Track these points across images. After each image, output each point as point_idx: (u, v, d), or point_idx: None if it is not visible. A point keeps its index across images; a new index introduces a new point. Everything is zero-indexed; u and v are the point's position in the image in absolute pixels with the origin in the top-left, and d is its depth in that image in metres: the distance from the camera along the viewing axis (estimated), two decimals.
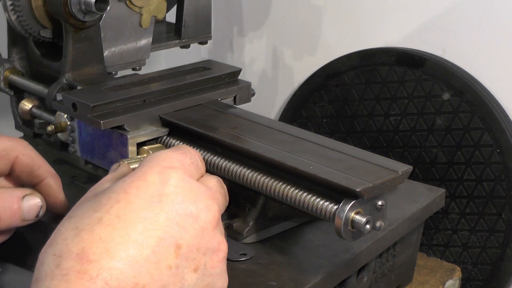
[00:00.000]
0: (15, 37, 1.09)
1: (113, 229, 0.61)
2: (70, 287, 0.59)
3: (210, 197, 0.68)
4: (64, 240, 0.63)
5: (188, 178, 0.67)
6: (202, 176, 0.74)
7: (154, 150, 0.84)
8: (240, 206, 0.88)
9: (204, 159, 0.90)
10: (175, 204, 0.65)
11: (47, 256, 0.63)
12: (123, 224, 0.62)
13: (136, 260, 0.61)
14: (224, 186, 0.77)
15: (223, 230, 0.71)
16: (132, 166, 0.75)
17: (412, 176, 0.94)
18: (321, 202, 0.79)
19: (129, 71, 1.11)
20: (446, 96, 1.23)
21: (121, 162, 0.76)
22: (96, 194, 0.66)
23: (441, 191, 1.03)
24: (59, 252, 0.62)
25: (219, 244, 0.68)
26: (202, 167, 0.74)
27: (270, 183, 0.83)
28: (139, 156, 0.85)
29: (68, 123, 0.97)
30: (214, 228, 0.68)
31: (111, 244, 0.60)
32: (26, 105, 1.08)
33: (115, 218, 0.62)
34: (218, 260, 0.69)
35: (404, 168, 0.80)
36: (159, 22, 1.14)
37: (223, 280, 0.70)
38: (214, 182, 0.74)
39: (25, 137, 1.14)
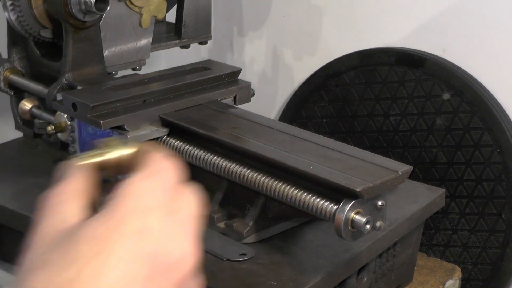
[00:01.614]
0: (15, 37, 1.09)
1: (93, 285, 0.56)
2: None
3: (186, 240, 0.63)
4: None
5: (166, 220, 0.62)
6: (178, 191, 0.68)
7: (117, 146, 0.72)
8: (240, 206, 0.88)
9: (204, 159, 0.90)
10: (156, 258, 0.60)
11: None
12: (105, 279, 0.58)
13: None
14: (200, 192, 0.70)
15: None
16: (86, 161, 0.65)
17: (412, 176, 0.94)
18: (321, 202, 0.79)
19: (129, 71, 1.11)
20: (446, 96, 1.22)
21: (72, 163, 0.67)
22: (65, 236, 0.59)
23: (441, 191, 1.03)
24: None
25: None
26: (176, 176, 0.67)
27: (270, 183, 0.83)
28: (95, 152, 0.72)
29: (68, 123, 0.97)
30: (191, 274, 0.63)
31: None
32: (26, 105, 1.08)
33: (91, 278, 0.58)
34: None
35: (404, 168, 0.80)
36: (159, 22, 1.14)
37: None
38: (191, 204, 0.68)
39: (25, 137, 1.14)
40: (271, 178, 0.83)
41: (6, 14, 1.02)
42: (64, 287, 0.55)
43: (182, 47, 1.16)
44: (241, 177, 0.85)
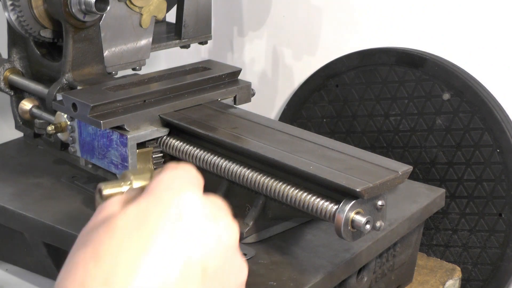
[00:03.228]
0: (15, 37, 1.09)
1: (136, 256, 0.60)
2: None
3: (227, 215, 0.67)
4: (85, 267, 0.59)
5: (202, 197, 0.66)
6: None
7: (138, 179, 0.79)
8: (240, 206, 0.88)
9: (204, 159, 0.90)
10: (197, 226, 0.64)
11: (69, 283, 0.59)
12: (147, 251, 0.60)
13: (165, 283, 0.60)
14: None
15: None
16: (114, 191, 0.71)
17: (412, 176, 0.94)
18: (321, 202, 0.79)
19: (129, 71, 1.11)
20: (446, 96, 1.22)
21: (98, 187, 0.72)
22: (107, 219, 0.65)
23: (441, 191, 1.03)
24: (80, 279, 0.59)
25: (242, 263, 0.68)
26: (202, 181, 0.72)
27: (270, 183, 0.83)
28: (120, 185, 0.78)
29: (68, 123, 0.97)
30: (235, 247, 0.67)
31: (136, 271, 0.59)
32: (26, 105, 1.08)
33: (137, 245, 0.60)
34: (242, 280, 0.67)
35: (404, 168, 0.80)
36: (159, 22, 1.14)
37: None
38: (219, 198, 0.73)
39: (25, 137, 1.14)
40: (271, 178, 0.83)
41: (6, 14, 1.02)
42: (108, 254, 0.58)
43: (182, 47, 1.16)
44: (241, 177, 0.85)
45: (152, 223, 0.62)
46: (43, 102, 1.06)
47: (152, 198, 0.63)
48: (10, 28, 1.08)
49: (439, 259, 1.16)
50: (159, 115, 0.93)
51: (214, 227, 0.64)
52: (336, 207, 0.77)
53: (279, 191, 0.82)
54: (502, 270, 1.21)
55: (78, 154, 0.97)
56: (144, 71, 1.08)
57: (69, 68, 1.01)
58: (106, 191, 0.68)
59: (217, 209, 0.65)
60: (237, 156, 0.86)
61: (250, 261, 0.84)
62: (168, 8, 1.13)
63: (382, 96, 1.28)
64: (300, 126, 1.18)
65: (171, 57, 1.49)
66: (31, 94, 1.08)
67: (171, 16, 1.17)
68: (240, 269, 0.67)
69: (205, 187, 0.66)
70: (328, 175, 0.78)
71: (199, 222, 0.63)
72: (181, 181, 0.66)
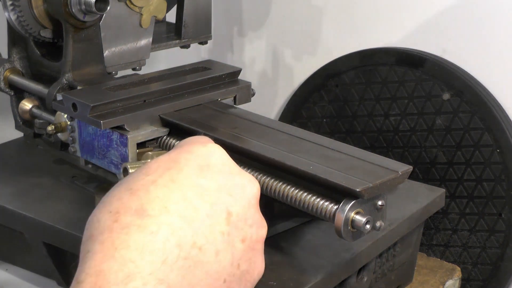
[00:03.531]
0: (15, 37, 1.09)
1: (168, 190, 0.62)
2: (131, 239, 0.59)
3: (249, 174, 0.69)
4: (120, 199, 0.62)
5: (227, 154, 0.69)
6: None
7: (159, 155, 0.84)
8: None
9: None
10: (223, 174, 0.66)
11: (103, 214, 0.62)
12: (178, 187, 0.63)
13: (193, 220, 0.61)
14: None
15: None
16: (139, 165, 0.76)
17: (412, 176, 0.94)
18: (321, 202, 0.79)
19: (129, 71, 1.11)
20: (446, 96, 1.23)
21: (123, 166, 0.77)
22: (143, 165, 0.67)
23: (441, 191, 1.03)
24: (115, 209, 0.62)
25: (262, 220, 0.69)
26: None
27: (270, 183, 0.82)
28: (142, 161, 0.84)
29: (68, 123, 0.97)
30: (257, 203, 0.69)
31: (168, 202, 0.61)
32: (26, 105, 1.08)
33: (169, 181, 0.63)
34: (262, 235, 0.69)
35: (404, 168, 0.80)
36: (159, 22, 1.14)
37: (262, 259, 0.70)
38: None
39: (25, 137, 1.14)
40: (271, 178, 0.83)
41: (6, 14, 1.02)
42: (141, 189, 0.62)
43: (182, 47, 1.16)
44: None
45: (182, 166, 0.65)
46: (43, 102, 1.06)
47: (182, 149, 0.67)
48: (10, 28, 1.08)
49: (439, 259, 1.16)
50: (159, 115, 0.93)
51: (240, 178, 0.67)
52: (336, 207, 0.77)
53: (279, 191, 0.82)
54: (502, 270, 1.21)
55: (78, 154, 0.97)
56: (144, 71, 1.08)
57: (69, 68, 1.01)
58: (131, 169, 0.75)
59: (239, 168, 0.69)
60: (237, 156, 0.86)
61: None
62: (168, 8, 1.12)
63: (382, 96, 1.28)
64: (300, 126, 1.18)
65: (171, 57, 1.49)
66: (31, 94, 1.08)
67: (171, 16, 1.17)
68: (260, 224, 0.69)
69: None
70: (328, 175, 0.78)
71: (225, 171, 0.66)
72: (208, 140, 0.70)
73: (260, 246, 0.69)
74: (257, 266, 0.69)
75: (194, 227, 0.61)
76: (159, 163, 0.65)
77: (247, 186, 0.68)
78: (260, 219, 0.69)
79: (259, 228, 0.69)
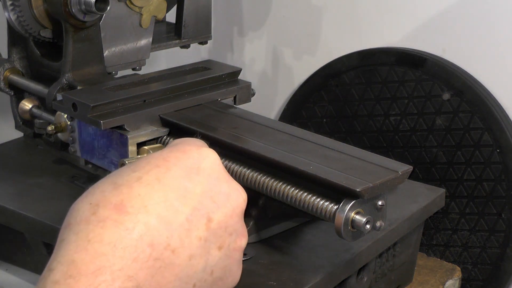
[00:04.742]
0: (15, 37, 1.09)
1: (151, 189, 0.63)
2: (105, 233, 0.60)
3: (238, 184, 0.70)
4: (102, 192, 0.63)
5: (220, 161, 0.69)
6: None
7: (155, 150, 0.85)
8: None
9: None
10: (211, 179, 0.66)
11: (83, 204, 0.63)
12: (162, 187, 0.63)
13: (170, 222, 0.62)
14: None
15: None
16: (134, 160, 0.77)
17: (412, 176, 0.94)
18: (321, 202, 0.79)
19: (129, 71, 1.11)
20: (446, 96, 1.23)
21: (121, 161, 0.77)
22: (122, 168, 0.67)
23: (441, 191, 1.03)
24: (96, 201, 0.63)
25: (244, 230, 0.69)
26: None
27: (270, 183, 0.83)
28: (139, 156, 0.85)
29: (68, 123, 0.97)
30: (241, 213, 0.69)
31: (149, 201, 0.62)
32: (26, 105, 1.08)
33: (154, 180, 0.63)
34: (240, 245, 0.69)
35: (404, 168, 0.80)
36: (159, 22, 1.14)
37: (238, 267, 0.70)
38: None
39: (25, 137, 1.14)
40: (271, 178, 0.83)
41: (6, 14, 1.02)
42: (125, 184, 0.63)
43: (182, 47, 1.16)
44: (241, 177, 0.85)
45: (171, 165, 0.66)
46: (43, 102, 1.06)
47: (176, 148, 0.67)
48: (10, 28, 1.08)
49: (439, 259, 1.16)
50: (159, 115, 0.93)
51: (227, 186, 0.67)
52: (336, 207, 0.77)
53: (279, 191, 0.82)
54: (502, 270, 1.21)
55: (78, 154, 0.97)
56: (144, 71, 1.08)
57: (69, 68, 1.01)
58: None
59: (230, 176, 0.69)
60: (237, 156, 0.86)
61: (250, 261, 0.84)
62: (168, 8, 1.13)
63: (382, 96, 1.28)
64: (300, 126, 1.18)
65: (171, 57, 1.49)
66: (31, 94, 1.08)
67: (171, 16, 1.17)
68: (241, 233, 0.69)
69: None
70: (328, 175, 0.78)
71: (214, 177, 0.66)
72: (204, 144, 0.70)
73: (238, 255, 0.69)
74: (232, 274, 0.69)
75: (170, 229, 0.61)
76: (148, 160, 0.66)
77: (232, 194, 0.68)
78: (242, 228, 0.69)
79: (239, 237, 0.69)
